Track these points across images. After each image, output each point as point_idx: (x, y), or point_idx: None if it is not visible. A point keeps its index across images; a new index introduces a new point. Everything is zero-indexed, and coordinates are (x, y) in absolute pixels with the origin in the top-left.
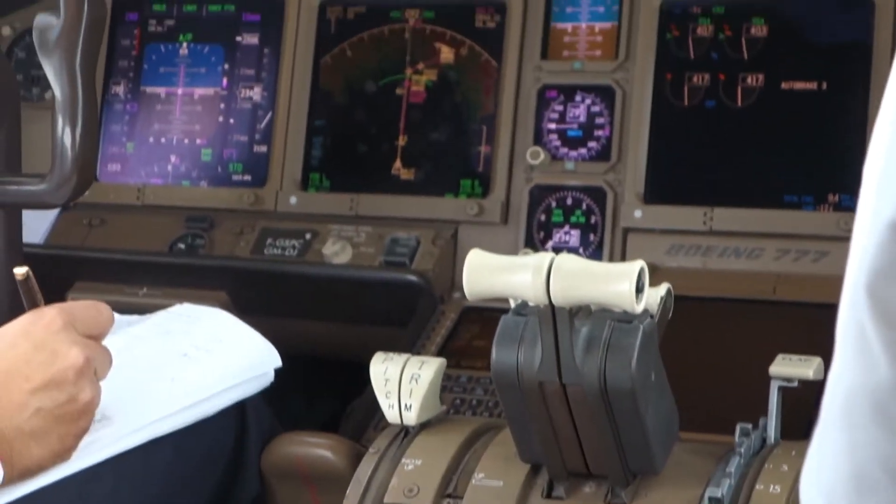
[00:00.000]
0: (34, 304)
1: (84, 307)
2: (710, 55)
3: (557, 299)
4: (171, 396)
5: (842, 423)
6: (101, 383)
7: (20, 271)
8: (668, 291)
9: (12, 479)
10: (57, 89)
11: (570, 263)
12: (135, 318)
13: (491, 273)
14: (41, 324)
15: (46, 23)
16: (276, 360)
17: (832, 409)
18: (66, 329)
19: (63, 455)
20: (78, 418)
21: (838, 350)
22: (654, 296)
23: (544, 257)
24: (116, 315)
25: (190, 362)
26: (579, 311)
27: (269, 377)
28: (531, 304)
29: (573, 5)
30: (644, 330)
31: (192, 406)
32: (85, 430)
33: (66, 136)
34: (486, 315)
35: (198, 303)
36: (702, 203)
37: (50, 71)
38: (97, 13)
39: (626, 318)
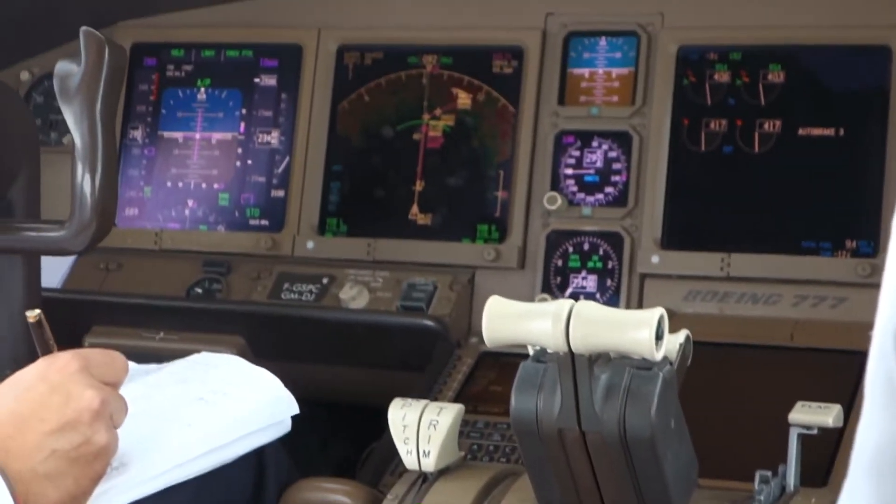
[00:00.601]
0: (47, 349)
1: (99, 354)
2: (728, 101)
3: (577, 347)
4: (188, 442)
5: (870, 474)
6: (118, 431)
7: (32, 314)
8: (688, 338)
9: None
10: (77, 136)
11: (589, 311)
12: (152, 367)
13: (510, 320)
14: (56, 367)
15: (67, 70)
16: (293, 408)
17: (861, 460)
18: (82, 372)
19: (79, 498)
20: (94, 461)
21: (867, 401)
22: (674, 343)
23: (563, 304)
24: (133, 364)
25: (206, 406)
26: (598, 359)
27: (287, 425)
28: (550, 350)
29: (590, 51)
30: (664, 377)
31: (209, 453)
32: (101, 474)
33: (86, 184)
34: (503, 360)
35: (214, 347)
36: (719, 249)
37: (70, 118)
38: (118, 61)
39: (646, 366)
